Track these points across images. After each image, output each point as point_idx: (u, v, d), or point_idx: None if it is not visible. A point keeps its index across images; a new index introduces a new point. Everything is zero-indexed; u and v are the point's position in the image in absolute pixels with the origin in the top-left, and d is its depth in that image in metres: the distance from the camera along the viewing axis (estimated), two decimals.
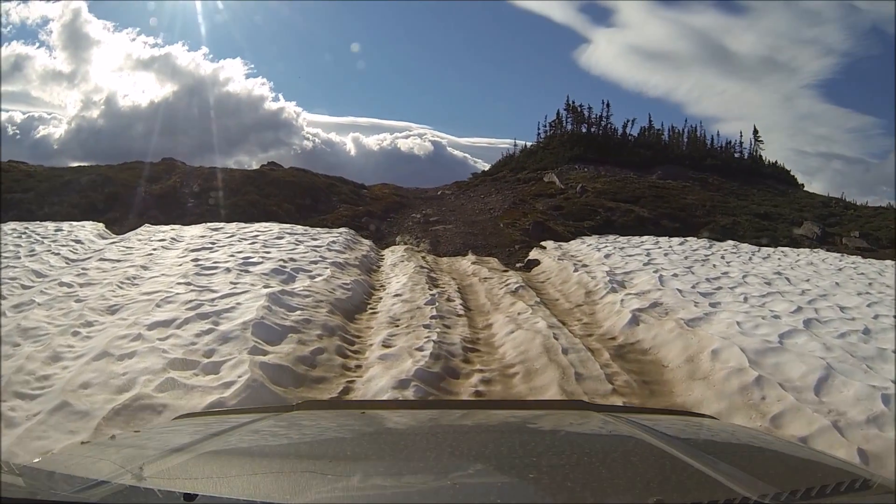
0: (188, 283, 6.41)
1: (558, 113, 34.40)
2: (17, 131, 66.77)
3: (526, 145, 33.42)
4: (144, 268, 7.63)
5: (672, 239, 15.51)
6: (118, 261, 8.28)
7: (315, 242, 10.25)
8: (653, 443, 1.15)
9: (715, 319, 5.70)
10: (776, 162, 35.11)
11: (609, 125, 33.78)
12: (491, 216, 17.84)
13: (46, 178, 18.07)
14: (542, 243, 13.50)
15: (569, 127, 33.59)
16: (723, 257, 12.45)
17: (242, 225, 12.41)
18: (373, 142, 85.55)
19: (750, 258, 12.63)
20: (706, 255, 12.42)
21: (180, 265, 7.73)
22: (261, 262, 7.78)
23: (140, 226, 12.43)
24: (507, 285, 7.89)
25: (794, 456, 1.31)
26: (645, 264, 9.93)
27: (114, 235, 12.00)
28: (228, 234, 10.89)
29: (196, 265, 7.56)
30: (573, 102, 34.03)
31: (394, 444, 1.32)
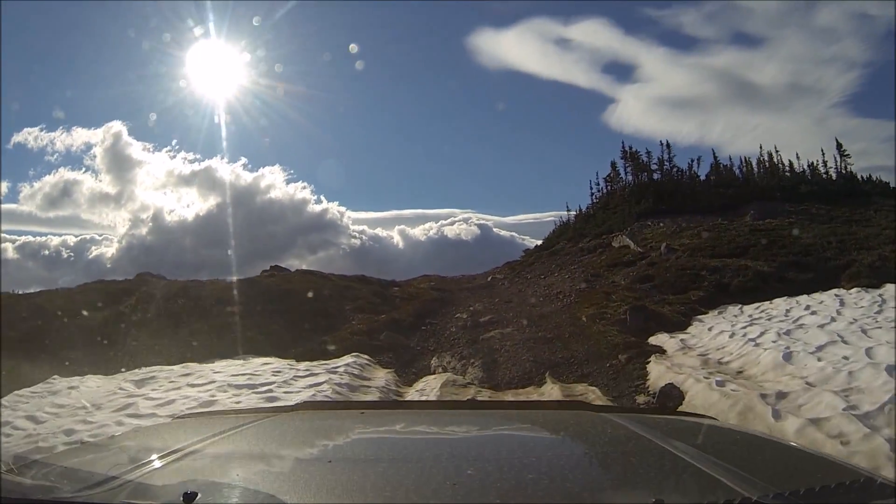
0: None
1: (613, 164, 30.74)
2: (72, 254, 70.54)
3: (581, 209, 29.58)
4: None
5: (820, 297, 11.27)
6: None
7: (279, 394, 6.19)
8: (653, 443, 1.14)
9: None
10: (870, 177, 29.60)
11: (674, 167, 29.55)
12: (563, 304, 13.64)
13: None
14: (652, 340, 9.14)
15: (629, 178, 29.59)
16: None
17: (190, 367, 8.61)
18: (419, 232, 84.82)
19: None
20: None
21: None
22: None
23: (50, 375, 8.19)
24: None
25: (794, 456, 1.27)
26: (879, 370, 5.40)
27: None
28: (135, 394, 6.73)
29: None
30: (630, 148, 30.31)
31: (393, 444, 1.33)
